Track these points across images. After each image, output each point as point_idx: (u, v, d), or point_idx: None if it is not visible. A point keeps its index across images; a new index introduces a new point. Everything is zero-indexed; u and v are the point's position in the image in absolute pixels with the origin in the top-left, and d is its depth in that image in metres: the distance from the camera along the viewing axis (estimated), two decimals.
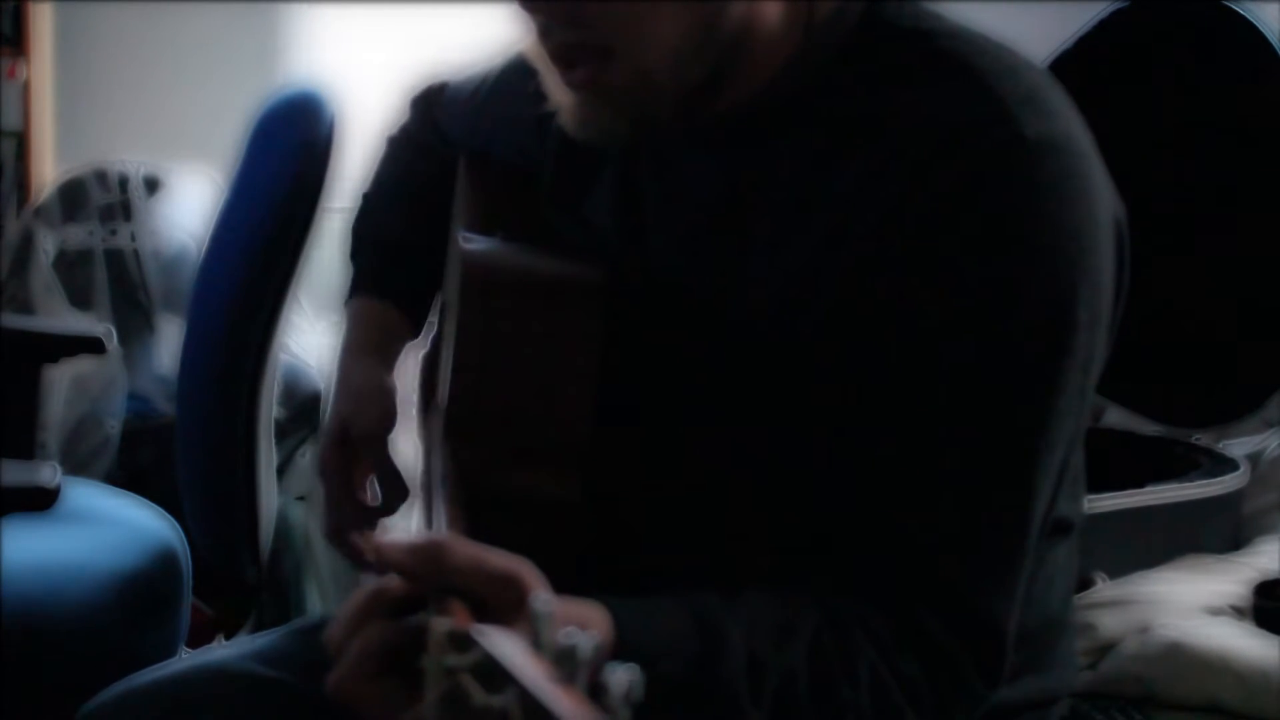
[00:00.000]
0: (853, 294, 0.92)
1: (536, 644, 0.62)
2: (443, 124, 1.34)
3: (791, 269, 0.95)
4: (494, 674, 0.61)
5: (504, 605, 0.74)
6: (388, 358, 1.27)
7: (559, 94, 0.97)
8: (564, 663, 0.60)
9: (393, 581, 0.76)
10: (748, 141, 0.98)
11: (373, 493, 1.23)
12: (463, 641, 0.64)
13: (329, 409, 1.26)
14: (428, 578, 0.75)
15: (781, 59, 0.96)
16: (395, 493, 1.21)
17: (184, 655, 1.72)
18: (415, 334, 1.31)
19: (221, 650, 1.21)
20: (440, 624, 0.65)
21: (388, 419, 1.22)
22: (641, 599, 0.84)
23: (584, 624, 0.76)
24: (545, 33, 0.94)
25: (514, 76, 1.21)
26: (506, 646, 0.62)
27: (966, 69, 0.92)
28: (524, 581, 0.75)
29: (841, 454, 0.93)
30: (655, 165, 1.04)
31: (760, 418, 0.97)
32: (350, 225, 1.37)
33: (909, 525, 0.91)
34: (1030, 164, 0.89)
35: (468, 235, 1.06)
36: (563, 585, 0.78)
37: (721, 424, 0.98)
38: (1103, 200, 0.93)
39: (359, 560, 1.19)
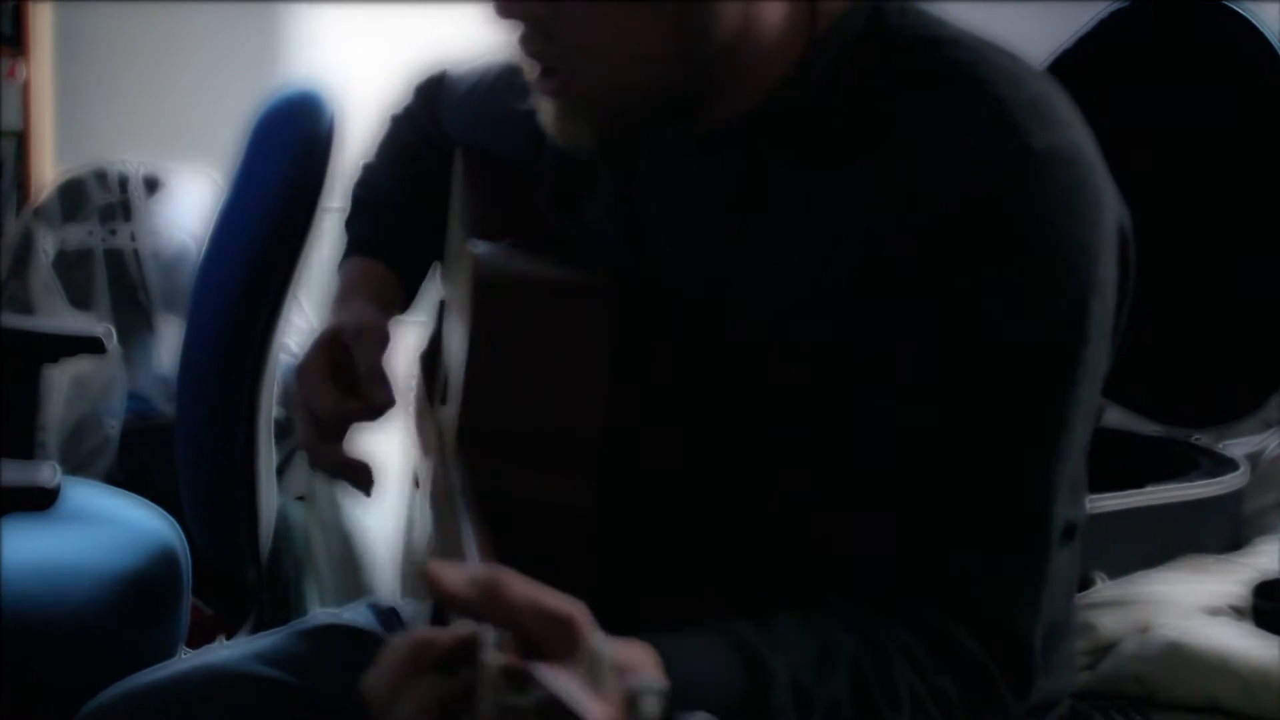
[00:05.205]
0: (859, 306, 0.92)
1: (596, 684, 0.61)
2: (441, 116, 1.34)
3: (794, 277, 0.95)
4: (558, 716, 0.60)
5: (555, 646, 0.71)
6: (382, 306, 1.24)
7: (538, 98, 0.98)
8: (633, 706, 0.59)
9: (438, 634, 0.73)
10: (750, 148, 0.98)
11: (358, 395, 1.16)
12: (521, 680, 0.63)
13: (314, 333, 1.20)
14: (483, 612, 0.72)
15: (784, 65, 0.96)
16: (383, 395, 1.12)
17: (184, 655, 1.72)
18: (406, 304, 1.29)
19: (222, 650, 1.20)
20: (494, 658, 0.64)
21: (385, 329, 1.17)
22: (681, 633, 0.83)
23: (635, 664, 0.75)
24: (519, 39, 0.95)
25: (511, 76, 1.20)
26: (571, 687, 0.61)
27: (972, 78, 0.92)
28: (577, 623, 0.73)
29: (854, 468, 0.92)
30: (656, 170, 1.04)
31: (769, 424, 0.96)
32: (349, 192, 1.37)
33: (928, 539, 0.91)
34: (1038, 175, 0.89)
35: (476, 241, 1.05)
36: (578, 593, 0.76)
37: (731, 431, 0.98)
38: (1109, 209, 0.93)
39: (333, 472, 1.15)
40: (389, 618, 1.21)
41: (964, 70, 0.92)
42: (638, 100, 0.94)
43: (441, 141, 1.33)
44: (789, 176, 0.96)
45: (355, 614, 1.23)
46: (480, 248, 1.04)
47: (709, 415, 0.99)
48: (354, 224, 1.34)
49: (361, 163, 1.39)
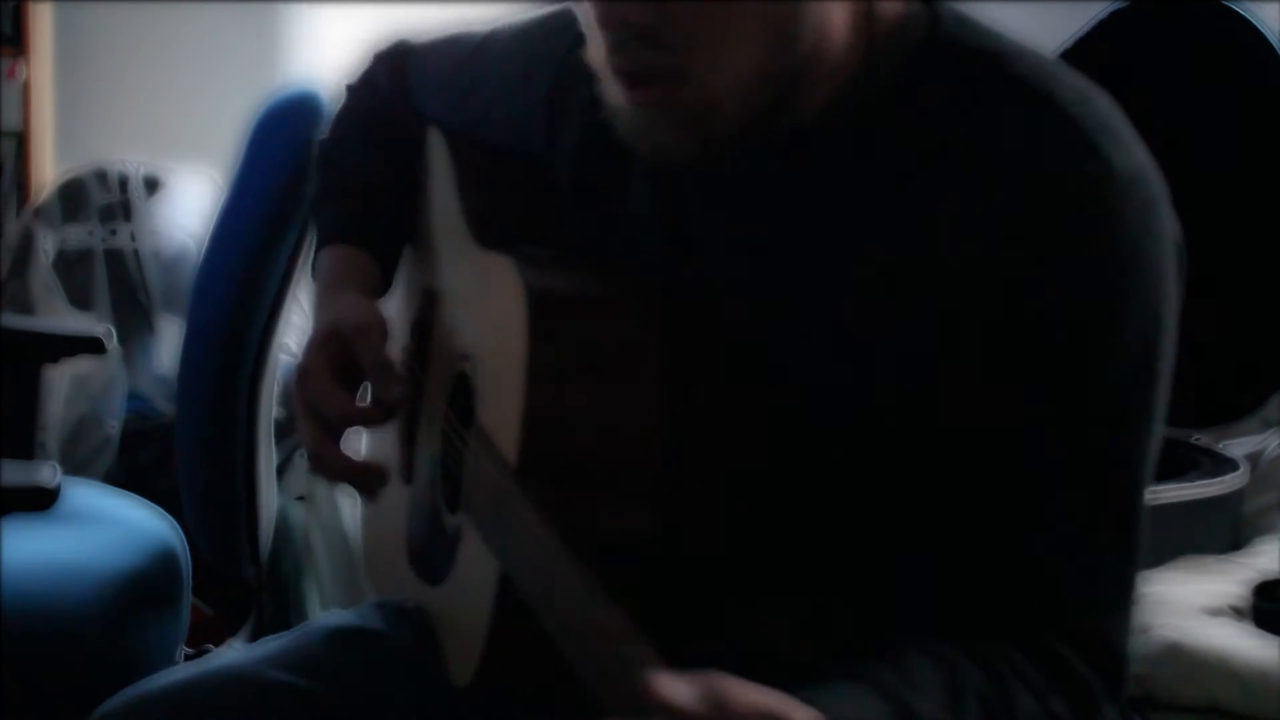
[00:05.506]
0: (940, 324, 0.91)
1: None
2: (415, 89, 1.29)
3: (863, 290, 0.94)
4: None
5: None
6: (370, 296, 1.21)
7: (620, 106, 0.94)
8: None
9: None
10: (812, 156, 0.96)
11: (360, 397, 1.14)
12: None
13: (308, 333, 1.17)
14: None
15: (843, 77, 0.94)
16: (395, 391, 1.10)
17: (183, 654, 1.72)
18: (386, 286, 1.25)
19: (234, 654, 1.19)
20: None
21: (383, 321, 1.13)
22: (827, 687, 0.83)
23: None
24: (618, 48, 0.92)
25: (513, 61, 1.18)
26: None
27: (1044, 97, 0.92)
28: None
29: (948, 489, 0.92)
30: (704, 178, 1.01)
31: (836, 440, 0.95)
32: (313, 174, 1.32)
33: (1031, 562, 0.91)
34: (1120, 198, 0.90)
35: (512, 254, 1.01)
36: (645, 626, 0.77)
37: (797, 447, 0.97)
38: (1171, 225, 0.94)
39: (342, 476, 1.13)
40: (396, 618, 1.20)
41: (1033, 88, 0.92)
42: (730, 113, 0.91)
43: (410, 115, 1.29)
44: (850, 192, 0.95)
45: (365, 616, 1.21)
46: (519, 261, 1.00)
47: (772, 430, 0.97)
48: (323, 209, 1.29)
49: (320, 139, 1.33)
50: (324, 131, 1.34)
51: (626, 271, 1.02)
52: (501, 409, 0.99)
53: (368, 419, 1.13)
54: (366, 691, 1.14)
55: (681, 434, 0.96)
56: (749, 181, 0.98)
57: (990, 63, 0.94)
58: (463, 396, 1.10)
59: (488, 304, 1.07)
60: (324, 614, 1.23)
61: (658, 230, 1.04)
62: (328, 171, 1.31)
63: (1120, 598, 0.93)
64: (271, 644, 1.19)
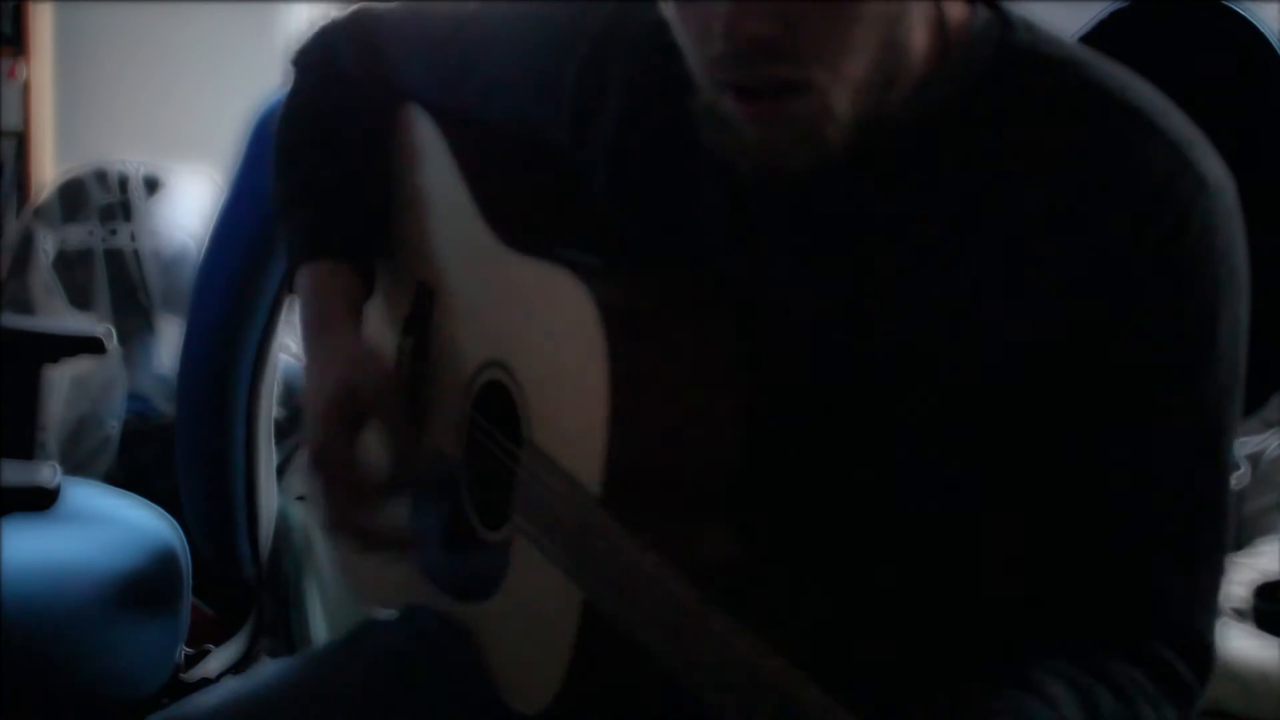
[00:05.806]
0: (1035, 333, 0.91)
1: None
2: (395, 63, 1.20)
3: (949, 299, 0.93)
4: None
5: None
6: (359, 323, 1.17)
7: (728, 119, 0.90)
8: None
9: None
10: (891, 166, 0.94)
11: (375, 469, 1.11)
12: None
13: (307, 388, 1.12)
14: None
15: (919, 82, 0.92)
16: (413, 461, 1.09)
17: (183, 653, 1.72)
18: (370, 290, 1.19)
19: (275, 672, 1.13)
20: None
21: (381, 366, 1.11)
22: None
23: None
24: (736, 61, 0.88)
25: (520, 41, 1.11)
26: None
27: (1130, 107, 0.92)
28: None
29: (1044, 501, 0.92)
30: (774, 180, 0.95)
31: (919, 456, 0.95)
32: (274, 178, 1.22)
33: (1138, 567, 0.92)
34: (1212, 208, 0.91)
35: (574, 264, 0.98)
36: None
37: (887, 465, 0.96)
38: (1243, 230, 0.95)
39: (372, 543, 1.10)
40: (437, 631, 1.13)
41: (1117, 98, 0.92)
42: (843, 123, 0.89)
43: (383, 93, 1.20)
44: (937, 193, 0.93)
45: (406, 628, 1.15)
46: (581, 275, 0.96)
47: (862, 445, 0.96)
48: (292, 219, 1.20)
49: (277, 131, 1.23)
50: (278, 122, 1.23)
51: (695, 283, 0.99)
52: (572, 431, 0.95)
53: (406, 485, 1.11)
54: (420, 716, 1.09)
55: (766, 454, 0.94)
56: (826, 187, 0.95)
57: (1069, 71, 0.93)
58: (496, 406, 1.06)
59: (533, 313, 1.02)
60: (365, 623, 1.18)
61: (724, 238, 1.00)
62: (290, 175, 1.21)
63: (1213, 596, 0.94)
64: (313, 660, 1.15)
